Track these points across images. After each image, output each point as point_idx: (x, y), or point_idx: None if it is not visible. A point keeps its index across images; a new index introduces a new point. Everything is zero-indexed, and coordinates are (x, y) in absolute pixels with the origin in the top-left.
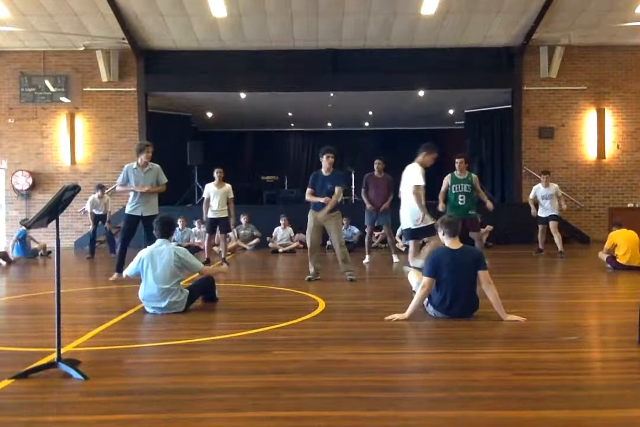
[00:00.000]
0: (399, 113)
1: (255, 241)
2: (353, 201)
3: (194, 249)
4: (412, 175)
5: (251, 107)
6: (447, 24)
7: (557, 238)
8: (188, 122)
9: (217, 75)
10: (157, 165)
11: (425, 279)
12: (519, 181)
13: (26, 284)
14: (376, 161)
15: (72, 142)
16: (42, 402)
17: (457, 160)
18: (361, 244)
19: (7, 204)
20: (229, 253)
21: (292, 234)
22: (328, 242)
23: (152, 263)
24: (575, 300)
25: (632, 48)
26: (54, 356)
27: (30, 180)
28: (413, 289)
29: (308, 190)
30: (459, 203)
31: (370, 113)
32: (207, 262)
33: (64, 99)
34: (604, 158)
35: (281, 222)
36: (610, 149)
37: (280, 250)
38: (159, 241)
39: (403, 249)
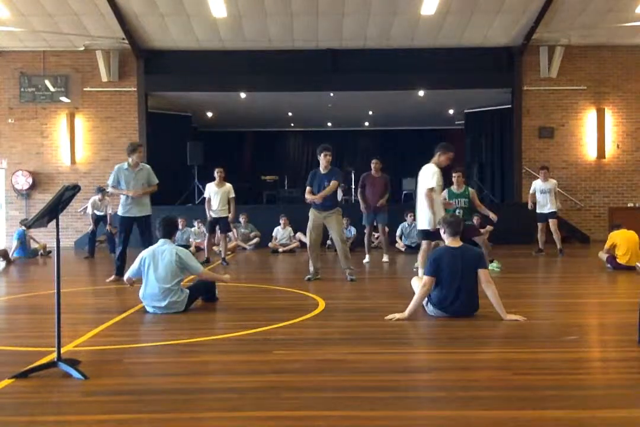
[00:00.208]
0: (399, 113)
1: (255, 240)
2: (353, 201)
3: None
4: (426, 177)
5: (251, 107)
6: (447, 24)
7: (556, 236)
8: (188, 122)
9: (217, 75)
10: (147, 166)
11: (426, 278)
12: (519, 181)
13: (26, 283)
14: (373, 161)
15: (72, 142)
16: (42, 402)
17: (454, 174)
18: (361, 244)
19: (7, 203)
20: (229, 253)
21: (292, 234)
22: (328, 242)
23: (154, 262)
24: (575, 300)
25: (632, 48)
26: (54, 356)
27: (30, 180)
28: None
29: (307, 189)
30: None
31: (370, 113)
32: (207, 262)
33: (64, 99)
34: (604, 158)
35: (281, 222)
36: (610, 149)
37: (280, 250)
38: (161, 241)
39: (403, 249)
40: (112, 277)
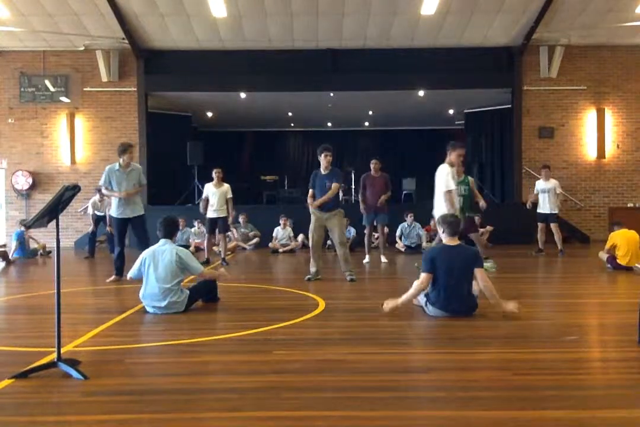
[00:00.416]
0: (399, 113)
1: (255, 240)
2: (353, 201)
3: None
4: (441, 180)
5: (251, 107)
6: (447, 24)
7: (557, 237)
8: (188, 122)
9: (217, 75)
10: (138, 166)
11: (422, 275)
12: (519, 181)
13: (26, 283)
14: (372, 161)
15: (72, 142)
16: (42, 402)
17: None
18: (360, 245)
19: (7, 203)
20: (229, 253)
21: (292, 234)
22: (328, 242)
23: (154, 262)
24: (575, 300)
25: (632, 48)
26: (54, 356)
27: (30, 180)
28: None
29: (309, 192)
30: (457, 205)
31: (370, 113)
32: (207, 262)
33: (64, 99)
34: (604, 158)
35: (281, 222)
36: (610, 149)
37: (280, 250)
38: (162, 241)
39: (403, 249)
40: (112, 278)
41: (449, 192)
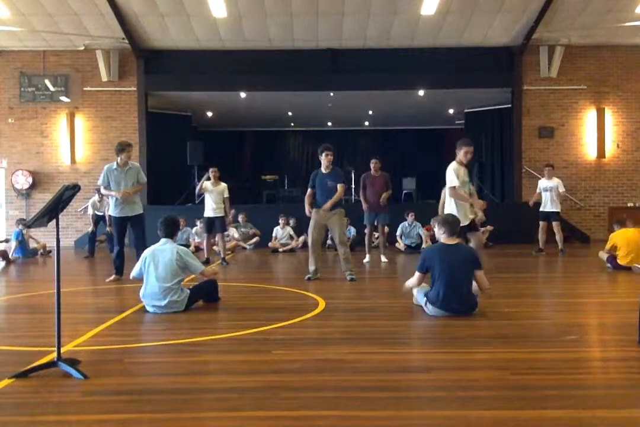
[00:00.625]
0: (398, 113)
1: (255, 240)
2: (353, 201)
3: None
4: (448, 177)
5: (251, 107)
6: (447, 24)
7: (558, 236)
8: (188, 121)
9: (217, 75)
10: (137, 164)
11: (416, 274)
12: (519, 181)
13: (26, 283)
14: (372, 161)
15: (72, 141)
16: (42, 402)
17: None
18: (361, 244)
19: (7, 203)
20: (228, 252)
21: (292, 233)
22: (328, 242)
23: (155, 261)
24: (575, 300)
25: (632, 48)
26: (54, 356)
27: (30, 180)
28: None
29: (309, 191)
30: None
31: (370, 113)
32: (207, 262)
33: (64, 99)
34: (604, 158)
35: (280, 221)
36: (610, 149)
37: (280, 249)
38: (162, 240)
39: (403, 249)
40: (112, 277)
41: (452, 188)
